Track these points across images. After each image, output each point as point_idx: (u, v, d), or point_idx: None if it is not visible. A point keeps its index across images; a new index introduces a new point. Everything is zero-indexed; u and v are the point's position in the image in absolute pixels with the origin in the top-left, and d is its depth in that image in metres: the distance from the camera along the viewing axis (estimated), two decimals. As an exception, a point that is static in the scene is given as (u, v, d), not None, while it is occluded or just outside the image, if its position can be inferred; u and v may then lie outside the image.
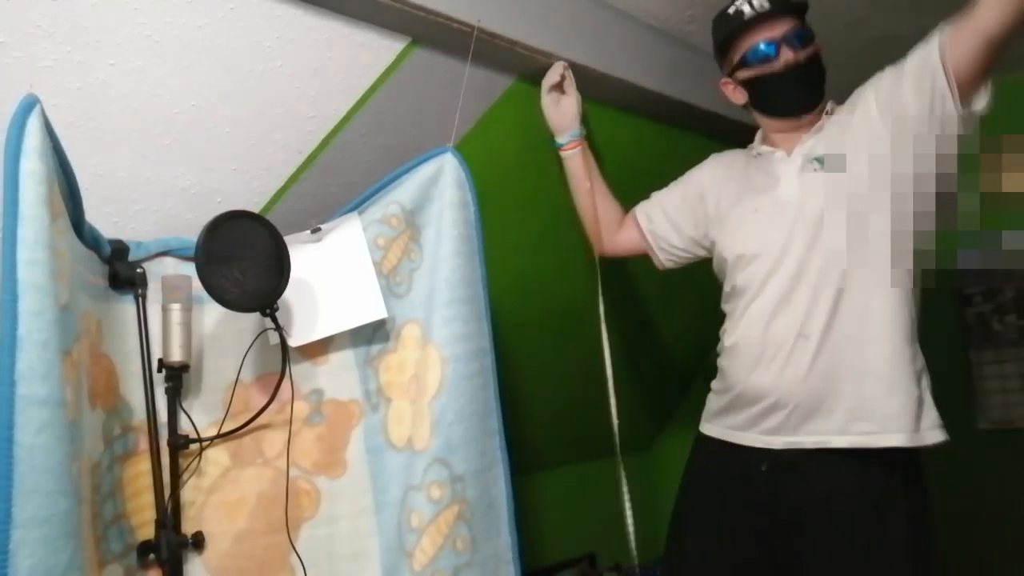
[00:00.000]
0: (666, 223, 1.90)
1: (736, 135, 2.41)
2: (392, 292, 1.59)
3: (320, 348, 1.58)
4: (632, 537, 1.78)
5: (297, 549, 1.47)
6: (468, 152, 1.66)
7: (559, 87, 1.83)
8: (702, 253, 1.88)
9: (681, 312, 2.84)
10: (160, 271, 1.43)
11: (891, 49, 2.28)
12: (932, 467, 2.68)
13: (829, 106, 1.69)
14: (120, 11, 1.30)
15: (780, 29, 1.62)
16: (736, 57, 1.70)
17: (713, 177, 1.85)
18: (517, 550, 1.57)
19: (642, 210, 1.95)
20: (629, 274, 2.51)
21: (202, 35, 1.40)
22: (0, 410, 0.98)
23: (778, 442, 1.59)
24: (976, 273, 2.63)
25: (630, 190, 2.05)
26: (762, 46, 1.63)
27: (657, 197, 1.95)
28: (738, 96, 1.76)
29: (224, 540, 1.42)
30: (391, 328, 1.61)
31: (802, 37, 1.63)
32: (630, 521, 1.79)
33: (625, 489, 1.85)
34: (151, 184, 1.49)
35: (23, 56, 1.25)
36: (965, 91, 1.49)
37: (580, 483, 2.98)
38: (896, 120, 1.55)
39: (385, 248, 1.59)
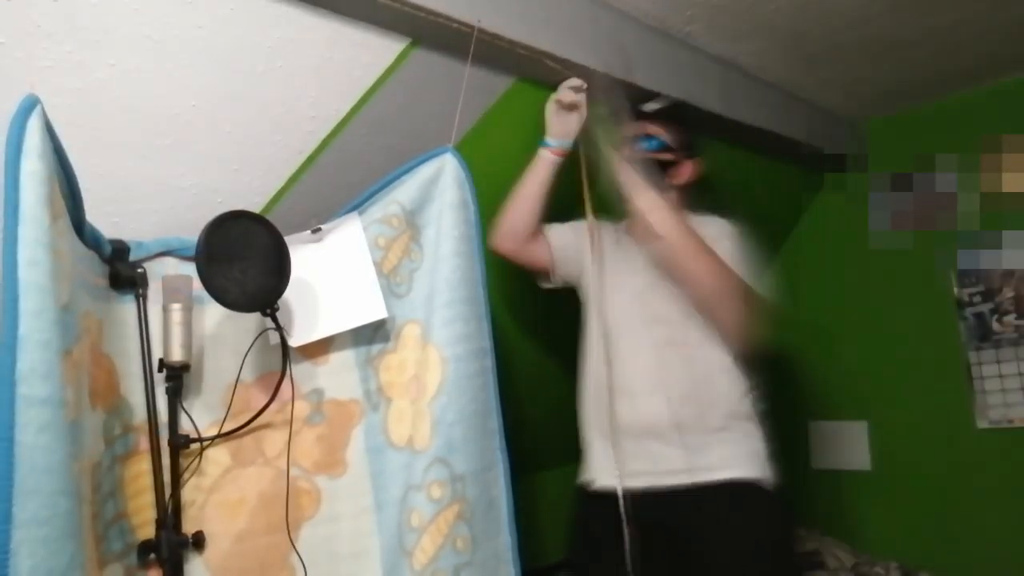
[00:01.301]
0: (563, 251, 1.97)
1: (736, 135, 2.41)
2: (392, 292, 1.59)
3: (320, 348, 1.58)
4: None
5: (297, 548, 1.47)
6: (468, 152, 1.66)
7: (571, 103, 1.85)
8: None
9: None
10: (161, 271, 1.43)
11: (892, 49, 2.29)
12: (932, 466, 2.69)
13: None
14: (120, 11, 1.30)
15: (634, 129, 1.84)
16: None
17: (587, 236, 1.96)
18: (517, 549, 1.57)
19: (554, 231, 1.98)
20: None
21: (202, 35, 1.40)
22: (1, 410, 0.99)
23: (658, 482, 1.73)
24: (976, 273, 2.63)
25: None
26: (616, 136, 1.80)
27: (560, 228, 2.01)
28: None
29: (225, 540, 1.42)
30: (391, 328, 1.61)
31: (648, 142, 1.88)
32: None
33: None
34: (151, 184, 1.49)
35: (23, 56, 1.25)
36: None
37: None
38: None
39: (385, 248, 1.59)
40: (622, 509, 1.68)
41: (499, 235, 1.91)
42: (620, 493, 1.69)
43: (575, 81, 1.82)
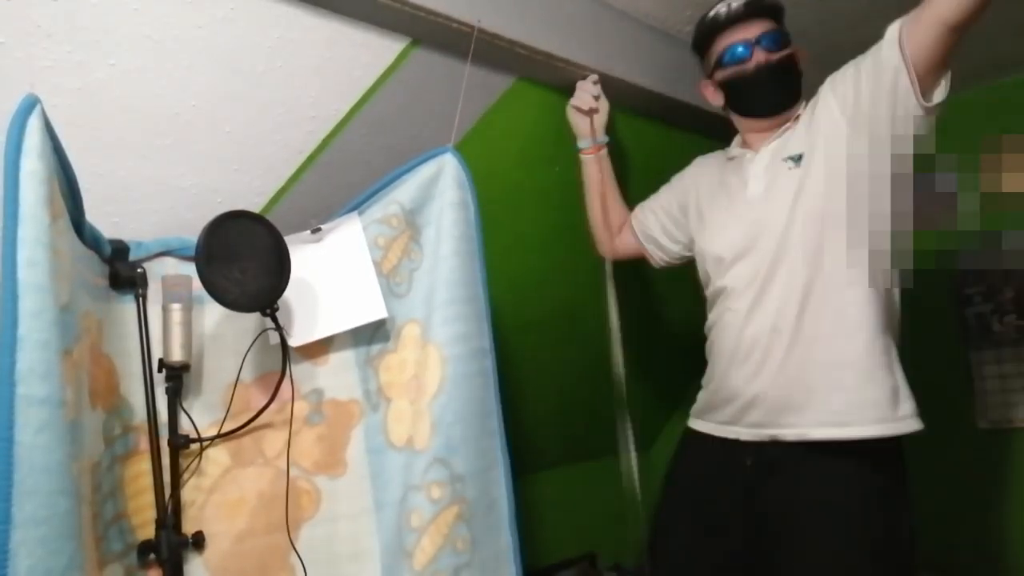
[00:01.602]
0: (657, 226, 1.94)
1: (734, 136, 2.41)
2: (392, 292, 1.59)
3: (320, 348, 1.58)
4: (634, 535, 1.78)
5: (297, 549, 1.47)
6: (468, 152, 1.66)
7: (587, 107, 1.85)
8: (689, 255, 1.91)
9: (679, 312, 2.83)
10: (160, 271, 1.43)
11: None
12: (932, 466, 2.70)
13: (802, 107, 1.70)
14: (120, 11, 1.30)
15: (754, 31, 1.66)
16: (713, 59, 1.74)
17: (695, 181, 1.88)
18: (517, 550, 1.57)
19: (635, 215, 2.00)
20: (627, 277, 2.51)
21: (202, 35, 1.40)
22: (0, 410, 0.98)
23: (760, 435, 1.60)
24: (976, 273, 2.63)
25: (629, 190, 2.05)
26: (736, 48, 1.67)
27: (649, 201, 1.99)
28: (716, 97, 1.79)
29: (224, 540, 1.42)
30: (391, 328, 1.61)
31: (776, 40, 1.66)
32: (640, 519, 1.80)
33: (637, 487, 1.86)
34: (151, 184, 1.49)
35: (23, 56, 1.25)
36: (926, 84, 1.47)
37: (580, 483, 2.98)
38: (856, 119, 1.55)
39: (385, 248, 1.59)
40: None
41: (597, 244, 1.96)
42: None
43: (591, 87, 1.82)
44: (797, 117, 1.68)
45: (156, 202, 1.52)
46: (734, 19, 1.67)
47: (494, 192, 1.85)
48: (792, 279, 1.56)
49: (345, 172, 1.72)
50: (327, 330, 1.54)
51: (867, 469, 1.53)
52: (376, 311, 1.54)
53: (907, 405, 1.53)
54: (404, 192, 1.60)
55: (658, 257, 1.97)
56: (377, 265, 1.57)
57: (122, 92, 1.37)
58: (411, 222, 1.61)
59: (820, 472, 1.55)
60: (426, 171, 1.60)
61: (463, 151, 1.63)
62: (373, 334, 1.60)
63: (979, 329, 2.62)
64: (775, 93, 1.68)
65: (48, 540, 1.00)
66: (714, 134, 2.36)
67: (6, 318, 1.00)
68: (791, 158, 1.61)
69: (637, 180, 2.10)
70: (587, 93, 1.85)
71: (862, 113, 1.53)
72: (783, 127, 1.68)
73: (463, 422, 1.51)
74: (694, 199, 1.84)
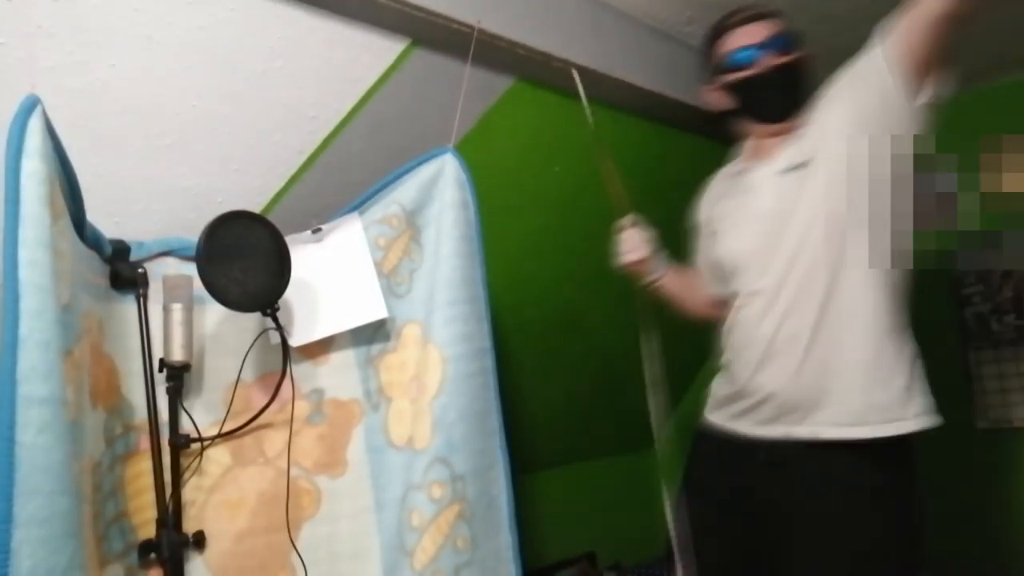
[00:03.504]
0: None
1: (734, 136, 2.41)
2: (393, 292, 1.59)
3: (321, 348, 1.58)
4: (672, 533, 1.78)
5: (298, 548, 1.47)
6: (468, 153, 1.66)
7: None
8: None
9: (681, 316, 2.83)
10: (161, 271, 1.43)
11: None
12: (931, 466, 2.68)
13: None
14: (121, 12, 1.30)
15: (762, 33, 1.62)
16: (719, 61, 1.70)
17: (708, 207, 1.86)
18: (517, 549, 1.57)
19: (698, 271, 1.92)
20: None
21: (203, 36, 1.40)
22: (1, 410, 0.99)
23: (773, 432, 1.60)
24: (975, 273, 2.63)
25: (629, 189, 2.05)
26: (744, 50, 1.63)
27: (697, 256, 1.93)
28: (721, 101, 1.75)
29: (225, 539, 1.42)
30: (392, 328, 1.61)
31: (785, 42, 1.63)
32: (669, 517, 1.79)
33: (665, 491, 1.85)
34: (152, 184, 1.49)
35: (24, 57, 1.25)
36: (917, 83, 1.46)
37: (580, 482, 2.98)
38: (856, 123, 1.53)
39: (385, 248, 1.59)
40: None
41: (711, 319, 1.86)
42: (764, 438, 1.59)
43: (635, 234, 1.80)
44: (800, 124, 1.65)
45: (157, 202, 1.52)
46: (740, 22, 1.64)
47: (494, 192, 1.85)
48: (808, 283, 1.55)
49: (345, 172, 1.73)
50: (328, 330, 1.54)
51: (874, 468, 1.53)
52: (377, 311, 1.55)
53: (918, 402, 1.53)
54: (404, 192, 1.60)
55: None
56: (378, 265, 1.57)
57: (123, 92, 1.37)
58: (411, 222, 1.61)
59: (827, 471, 1.55)
60: (426, 171, 1.60)
61: (463, 151, 1.64)
62: (374, 334, 1.60)
63: (978, 329, 2.62)
64: (785, 96, 1.64)
65: (49, 539, 1.00)
66: (714, 135, 2.36)
67: (7, 318, 1.01)
68: (797, 165, 1.59)
69: (637, 180, 2.10)
70: (634, 240, 1.80)
71: (859, 116, 1.53)
72: (788, 134, 1.65)
73: (464, 422, 1.51)
74: (706, 219, 1.84)
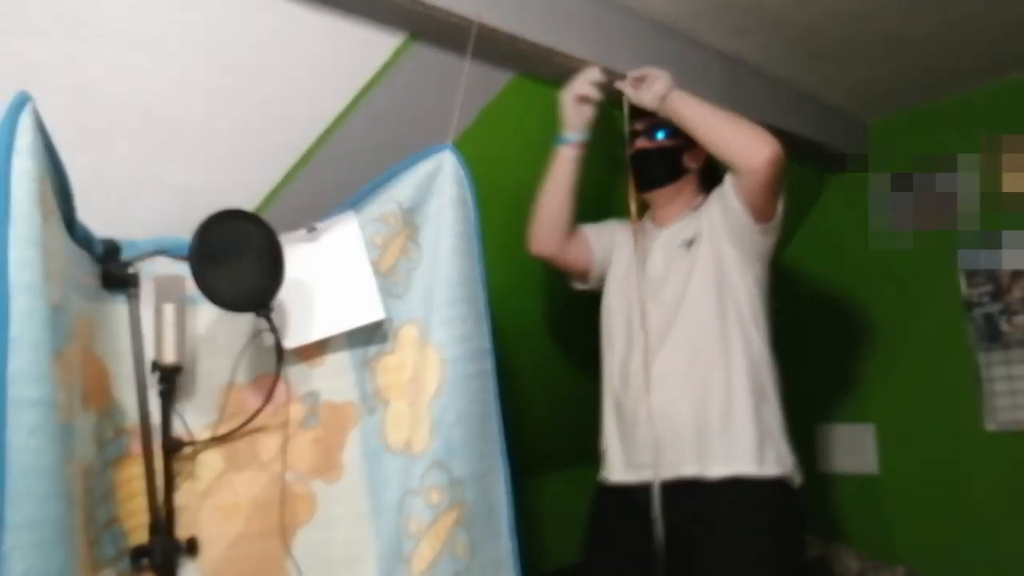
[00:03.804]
0: (600, 249, 2.04)
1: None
2: (390, 292, 1.57)
3: (316, 350, 1.56)
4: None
5: (293, 554, 1.45)
6: (467, 149, 1.64)
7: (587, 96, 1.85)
8: (597, 288, 2.07)
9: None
10: (153, 271, 1.41)
11: (896, 47, 2.28)
12: (938, 469, 2.68)
13: (701, 197, 1.93)
14: (115, 8, 1.29)
15: (644, 123, 1.90)
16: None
17: (620, 239, 2.02)
18: (517, 555, 1.55)
19: (589, 228, 2.04)
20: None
21: (195, 32, 1.39)
22: (-9, 412, 0.97)
23: (649, 475, 1.77)
24: (984, 273, 2.61)
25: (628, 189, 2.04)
26: (630, 132, 1.91)
27: (596, 226, 2.07)
28: None
29: (219, 545, 1.40)
30: (389, 329, 1.59)
31: (658, 132, 1.90)
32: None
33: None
34: (144, 182, 1.48)
35: (16, 52, 1.24)
36: (761, 213, 1.74)
37: (582, 487, 2.95)
38: (723, 230, 1.81)
39: (382, 247, 1.57)
40: (655, 501, 1.73)
41: (535, 238, 1.97)
42: (656, 486, 1.75)
43: (595, 74, 1.81)
44: (696, 206, 1.90)
45: (149, 200, 1.50)
46: (638, 112, 1.88)
47: (494, 190, 1.83)
48: (677, 345, 1.79)
49: (341, 170, 1.71)
50: (323, 332, 1.52)
51: (741, 508, 1.71)
52: (373, 312, 1.53)
53: (772, 452, 1.74)
54: (402, 190, 1.58)
55: (592, 277, 2.05)
56: (374, 264, 1.55)
57: (115, 89, 1.36)
58: (409, 220, 1.59)
59: (690, 510, 1.72)
60: (424, 168, 1.58)
61: (462, 148, 1.62)
62: (370, 335, 1.58)
63: (987, 330, 2.60)
64: (647, 174, 1.94)
65: (42, 544, 1.00)
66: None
67: (-3, 318, 0.99)
68: (686, 242, 1.85)
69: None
70: (589, 82, 1.82)
71: (724, 225, 1.80)
72: (687, 209, 1.91)
73: (462, 424, 1.49)
74: (610, 252, 2.02)
